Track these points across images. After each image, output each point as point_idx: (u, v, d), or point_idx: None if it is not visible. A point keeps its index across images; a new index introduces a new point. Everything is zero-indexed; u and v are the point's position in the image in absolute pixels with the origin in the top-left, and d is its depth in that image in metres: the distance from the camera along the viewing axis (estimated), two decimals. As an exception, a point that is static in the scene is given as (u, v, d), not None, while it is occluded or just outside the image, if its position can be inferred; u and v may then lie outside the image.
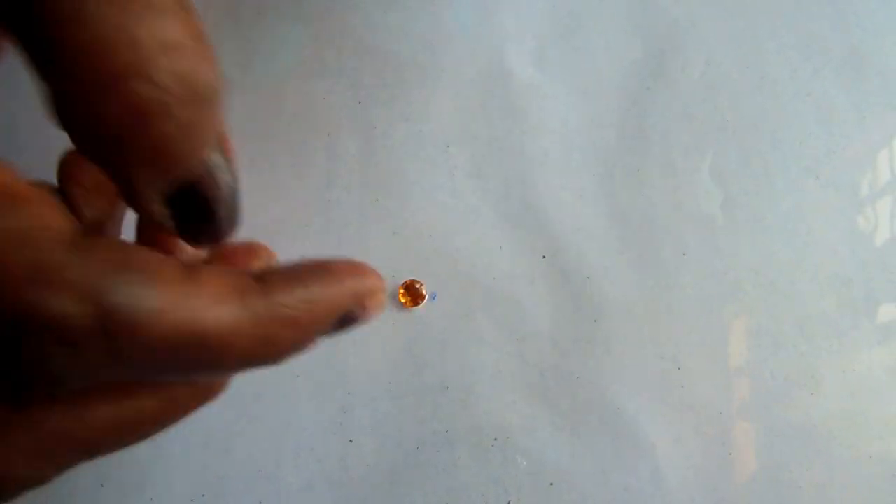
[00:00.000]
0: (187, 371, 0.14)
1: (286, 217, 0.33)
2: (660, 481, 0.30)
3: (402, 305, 0.31)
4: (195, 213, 0.15)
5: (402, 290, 0.31)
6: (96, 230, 0.18)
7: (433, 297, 0.32)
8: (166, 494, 0.29)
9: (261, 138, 0.34)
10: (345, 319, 0.16)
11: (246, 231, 0.33)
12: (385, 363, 0.31)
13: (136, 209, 0.15)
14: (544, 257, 0.32)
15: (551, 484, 0.30)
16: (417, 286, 0.31)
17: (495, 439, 0.30)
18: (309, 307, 0.15)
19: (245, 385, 0.31)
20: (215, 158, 0.14)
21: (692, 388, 0.31)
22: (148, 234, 0.19)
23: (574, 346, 0.31)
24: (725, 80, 0.35)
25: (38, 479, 0.14)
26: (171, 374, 0.14)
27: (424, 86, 0.35)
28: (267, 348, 0.14)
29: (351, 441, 0.30)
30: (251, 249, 0.19)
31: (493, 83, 0.35)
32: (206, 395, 0.17)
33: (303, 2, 0.36)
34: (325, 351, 0.31)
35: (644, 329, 0.31)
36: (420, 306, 0.31)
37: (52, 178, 0.33)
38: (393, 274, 0.32)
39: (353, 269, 0.17)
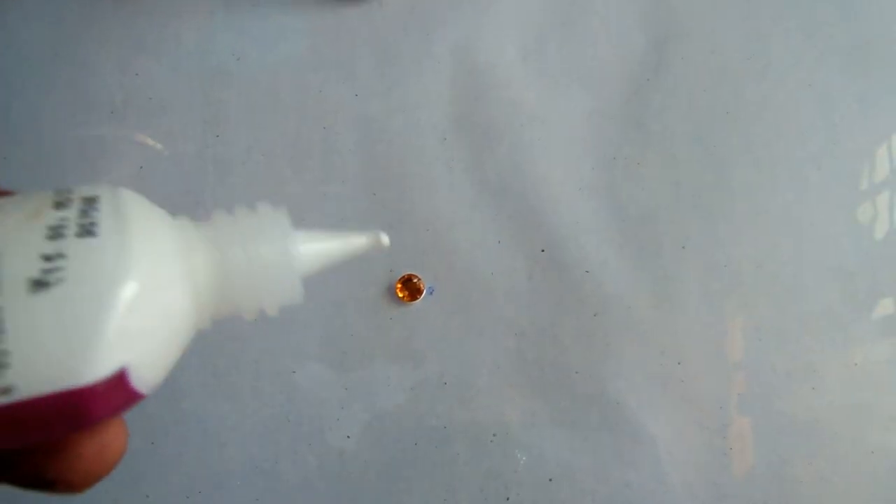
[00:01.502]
0: None
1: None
2: (660, 476, 0.29)
3: (400, 300, 0.31)
4: None
5: (399, 285, 0.31)
6: None
7: (431, 291, 0.31)
8: (162, 490, 0.29)
9: (257, 131, 0.33)
10: None
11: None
12: (383, 358, 0.31)
13: None
14: (543, 251, 0.32)
15: (551, 479, 0.29)
16: (415, 281, 0.31)
17: (494, 435, 0.30)
18: None
19: (242, 381, 0.30)
20: None
21: (693, 383, 0.30)
22: None
23: (573, 341, 0.31)
24: (728, 69, 0.34)
25: None
26: None
27: (422, 76, 0.34)
28: None
29: (349, 437, 0.30)
30: None
31: (492, 73, 0.34)
32: None
33: (298, -8, 0.36)
34: (322, 346, 0.31)
35: (644, 323, 0.31)
36: (418, 301, 0.31)
37: (46, 169, 0.33)
38: (391, 268, 0.31)
39: None
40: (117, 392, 0.14)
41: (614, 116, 0.34)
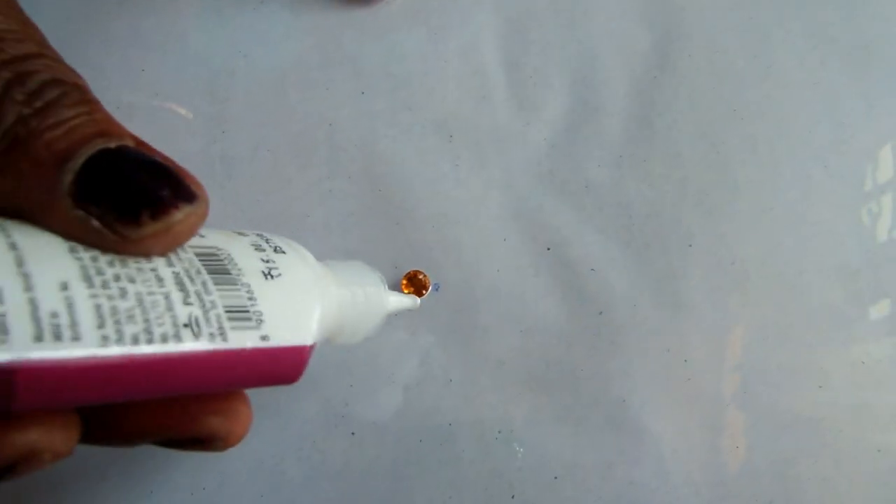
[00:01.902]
0: None
1: (287, 207, 0.32)
2: (665, 475, 0.29)
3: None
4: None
5: (405, 282, 0.31)
6: None
7: (436, 287, 0.31)
8: (167, 487, 0.29)
9: (262, 128, 0.34)
10: None
11: (247, 222, 0.32)
12: (387, 355, 0.31)
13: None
14: (549, 249, 0.32)
15: (555, 477, 0.29)
16: (420, 277, 0.31)
17: (499, 432, 0.30)
18: None
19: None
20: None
21: (698, 381, 0.30)
22: None
23: (578, 339, 0.31)
24: (732, 68, 0.34)
25: None
26: None
27: (428, 75, 0.34)
28: None
29: (353, 434, 0.30)
30: None
31: (497, 73, 0.35)
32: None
33: (304, -10, 0.36)
34: (328, 344, 0.31)
35: (649, 321, 0.31)
36: (423, 297, 0.31)
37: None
38: (396, 265, 0.31)
39: None
40: (306, 360, 0.19)
41: (619, 114, 0.34)
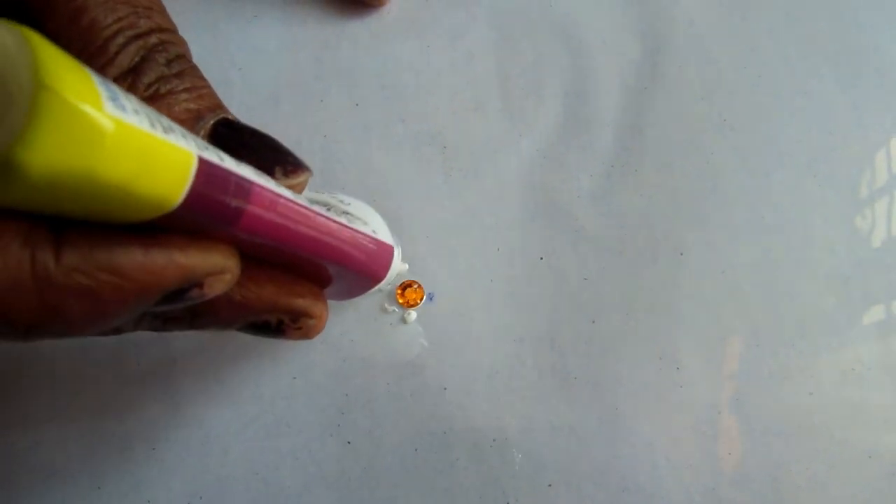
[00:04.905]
0: None
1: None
2: (658, 481, 0.29)
3: (400, 306, 0.31)
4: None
5: (399, 291, 0.31)
6: None
7: (430, 297, 0.31)
8: (163, 496, 0.29)
9: (257, 140, 0.34)
10: (170, 297, 0.15)
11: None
12: (382, 364, 0.31)
13: None
14: (542, 258, 0.32)
15: (549, 485, 0.29)
16: (415, 287, 0.31)
17: (493, 440, 0.30)
18: (110, 278, 0.13)
19: (242, 386, 0.31)
20: None
21: (690, 388, 0.30)
22: None
23: (572, 347, 0.31)
24: (722, 78, 0.35)
25: None
26: None
27: (421, 87, 0.35)
28: (53, 319, 0.13)
29: (349, 443, 0.30)
30: None
31: (489, 85, 0.35)
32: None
33: (300, 4, 0.36)
34: (323, 352, 0.31)
35: (642, 329, 0.31)
36: (418, 307, 0.31)
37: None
38: (390, 275, 0.32)
39: (190, 243, 0.15)
40: (392, 260, 0.25)
41: (611, 125, 0.34)
